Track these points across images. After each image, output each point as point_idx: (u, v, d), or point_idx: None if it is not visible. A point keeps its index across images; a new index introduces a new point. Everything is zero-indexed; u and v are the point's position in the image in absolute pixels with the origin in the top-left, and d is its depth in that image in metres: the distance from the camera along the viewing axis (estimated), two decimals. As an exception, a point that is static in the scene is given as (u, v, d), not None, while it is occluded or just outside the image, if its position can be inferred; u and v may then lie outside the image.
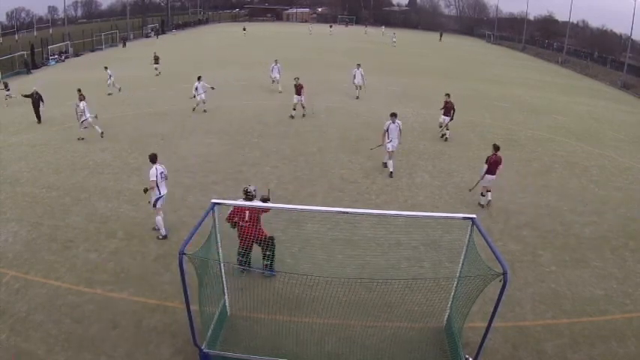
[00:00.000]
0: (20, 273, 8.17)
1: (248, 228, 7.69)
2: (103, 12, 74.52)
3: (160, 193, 9.32)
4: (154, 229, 9.64)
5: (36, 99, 17.61)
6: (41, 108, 17.70)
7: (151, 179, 9.18)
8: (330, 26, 64.23)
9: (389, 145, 13.02)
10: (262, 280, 7.89)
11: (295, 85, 18.64)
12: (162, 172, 9.35)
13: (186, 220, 10.14)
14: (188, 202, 11.16)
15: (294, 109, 18.63)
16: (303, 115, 18.62)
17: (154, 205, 9.38)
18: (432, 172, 13.54)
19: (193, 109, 19.17)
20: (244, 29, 56.56)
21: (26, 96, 17.85)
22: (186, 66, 31.13)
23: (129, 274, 8.24)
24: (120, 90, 22.95)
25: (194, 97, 19.03)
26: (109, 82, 22.84)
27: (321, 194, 11.79)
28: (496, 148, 11.07)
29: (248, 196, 7.82)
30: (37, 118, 17.73)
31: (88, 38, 43.88)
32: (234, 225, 7.78)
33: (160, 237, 9.44)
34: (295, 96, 18.55)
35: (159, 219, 9.38)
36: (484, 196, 11.47)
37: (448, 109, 16.17)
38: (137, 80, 26.20)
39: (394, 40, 49.06)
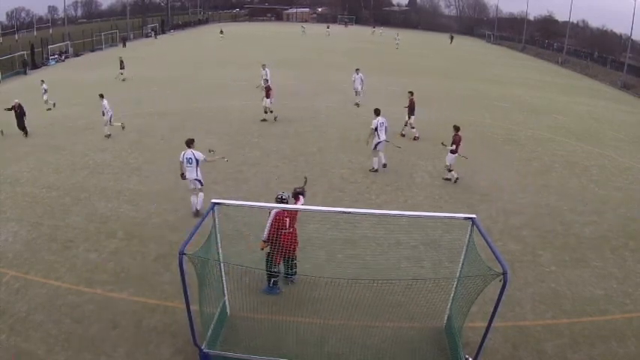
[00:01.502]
0: (20, 273, 8.17)
1: (290, 235, 7.42)
2: (103, 12, 74.63)
3: (184, 177, 10.36)
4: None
5: (18, 112, 15.94)
6: (25, 121, 15.94)
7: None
8: (328, 27, 62.72)
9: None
10: (262, 280, 7.87)
11: (264, 88, 17.99)
12: (189, 158, 10.12)
13: (186, 220, 10.13)
14: (188, 202, 11.15)
15: (265, 112, 17.93)
16: (275, 119, 17.91)
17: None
18: (432, 172, 13.54)
19: (109, 135, 16.04)
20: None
21: (8, 109, 16.06)
22: (186, 67, 31.16)
23: (129, 274, 8.24)
24: (54, 105, 19.94)
25: (103, 114, 16.00)
26: (44, 97, 19.95)
27: (321, 194, 11.79)
28: (457, 128, 12.47)
29: (283, 202, 7.45)
30: (22, 131, 16.00)
31: (88, 38, 43.86)
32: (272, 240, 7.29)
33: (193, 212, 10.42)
34: (265, 99, 17.80)
35: (192, 198, 10.51)
36: (451, 171, 12.69)
37: (411, 107, 16.50)
38: (137, 80, 26.19)
39: (397, 41, 48.26)
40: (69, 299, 7.52)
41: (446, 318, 6.90)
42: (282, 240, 7.30)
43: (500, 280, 5.22)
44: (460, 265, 6.49)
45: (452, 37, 58.14)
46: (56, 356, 6.36)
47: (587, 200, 12.14)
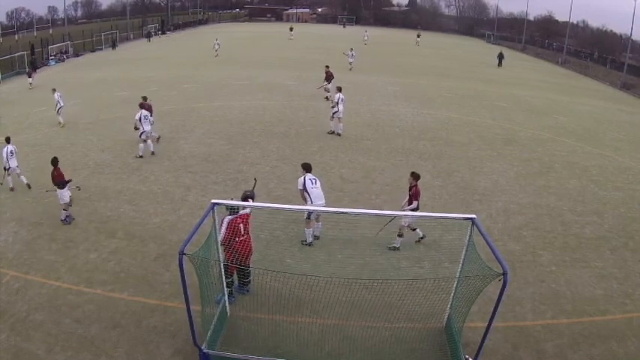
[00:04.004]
0: (20, 273, 8.17)
1: (244, 242, 7.18)
2: (103, 12, 74.66)
3: None
4: None
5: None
6: None
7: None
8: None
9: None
10: (262, 281, 7.87)
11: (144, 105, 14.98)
12: (312, 179, 9.09)
13: (186, 220, 10.14)
14: (188, 202, 11.17)
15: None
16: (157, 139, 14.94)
17: None
18: (432, 172, 13.53)
19: (60, 124, 16.97)
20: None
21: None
22: (185, 69, 31.12)
23: (129, 274, 8.24)
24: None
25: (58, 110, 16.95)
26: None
27: (321, 194, 11.78)
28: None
29: (233, 209, 7.14)
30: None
31: (88, 38, 43.78)
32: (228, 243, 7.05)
33: None
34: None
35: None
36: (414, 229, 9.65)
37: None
38: (140, 80, 26.22)
39: (418, 40, 49.92)
40: (69, 299, 7.52)
41: (446, 318, 6.91)
42: (236, 247, 6.99)
43: (500, 280, 5.22)
44: (460, 265, 6.49)
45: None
46: (56, 356, 6.37)
47: (587, 200, 12.14)
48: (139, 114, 13.88)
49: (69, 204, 10.03)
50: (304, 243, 9.28)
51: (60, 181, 9.93)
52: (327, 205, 9.04)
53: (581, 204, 11.89)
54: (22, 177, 11.84)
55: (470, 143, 16.32)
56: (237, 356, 6.19)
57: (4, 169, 11.59)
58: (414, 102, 22.22)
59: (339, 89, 16.54)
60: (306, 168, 9.29)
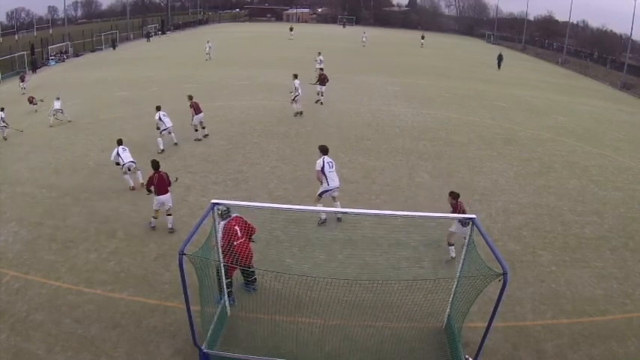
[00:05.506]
0: (20, 273, 8.17)
1: (244, 245, 7.18)
2: (103, 12, 74.58)
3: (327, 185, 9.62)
4: None
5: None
6: None
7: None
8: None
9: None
10: (262, 281, 7.88)
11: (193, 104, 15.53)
12: (329, 162, 9.64)
13: (186, 220, 10.14)
14: (188, 202, 11.17)
15: (196, 130, 15.77)
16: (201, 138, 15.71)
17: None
18: (432, 172, 13.53)
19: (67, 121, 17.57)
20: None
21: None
22: (185, 69, 31.08)
23: (129, 274, 8.25)
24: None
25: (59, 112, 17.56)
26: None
27: (321, 194, 11.77)
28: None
29: (224, 213, 7.17)
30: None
31: (88, 39, 43.78)
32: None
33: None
34: (196, 116, 15.50)
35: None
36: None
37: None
38: (139, 80, 26.23)
39: (422, 42, 48.70)
40: (69, 299, 7.52)
41: (446, 318, 6.91)
42: (235, 250, 6.97)
43: (500, 281, 5.22)
44: (460, 265, 6.49)
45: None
46: (56, 356, 6.37)
47: (587, 200, 12.14)
48: (157, 115, 14.52)
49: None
50: (319, 223, 9.81)
51: (161, 188, 9.51)
52: (329, 203, 9.32)
53: (581, 204, 11.89)
54: (139, 173, 11.95)
55: (470, 143, 16.32)
56: (237, 356, 6.19)
57: (116, 163, 11.89)
58: (413, 102, 22.21)
59: (295, 76, 18.43)
60: (324, 150, 9.73)
